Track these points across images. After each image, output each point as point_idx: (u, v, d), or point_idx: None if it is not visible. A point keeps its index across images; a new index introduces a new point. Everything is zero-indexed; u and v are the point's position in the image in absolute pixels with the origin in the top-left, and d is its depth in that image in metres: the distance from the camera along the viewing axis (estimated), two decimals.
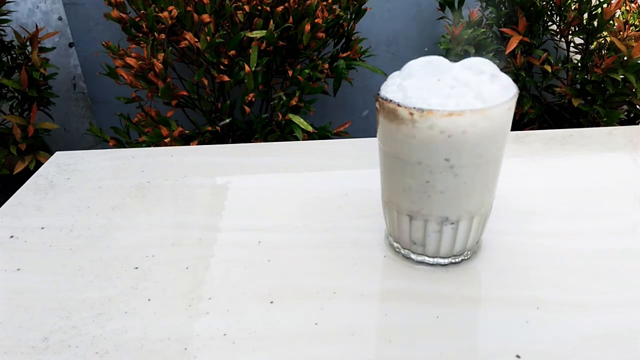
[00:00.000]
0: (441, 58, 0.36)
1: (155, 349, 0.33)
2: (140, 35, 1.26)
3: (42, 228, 0.46)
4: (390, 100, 0.33)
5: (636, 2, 1.46)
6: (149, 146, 1.23)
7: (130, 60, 1.19)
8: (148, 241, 0.44)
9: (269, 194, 0.51)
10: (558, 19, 1.46)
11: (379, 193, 0.41)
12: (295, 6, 1.26)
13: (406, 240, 0.39)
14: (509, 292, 0.36)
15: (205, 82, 1.28)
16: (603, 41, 1.42)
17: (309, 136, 1.31)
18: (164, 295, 0.37)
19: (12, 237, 0.45)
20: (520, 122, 1.50)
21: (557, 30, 1.48)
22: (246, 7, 1.24)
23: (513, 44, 1.36)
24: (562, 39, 1.48)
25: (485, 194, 0.37)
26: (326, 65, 1.37)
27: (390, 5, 1.71)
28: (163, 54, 1.21)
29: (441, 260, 0.39)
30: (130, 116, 1.33)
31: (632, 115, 1.54)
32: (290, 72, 1.31)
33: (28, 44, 1.47)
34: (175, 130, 1.25)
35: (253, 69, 1.23)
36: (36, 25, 1.55)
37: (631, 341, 0.32)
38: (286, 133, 1.31)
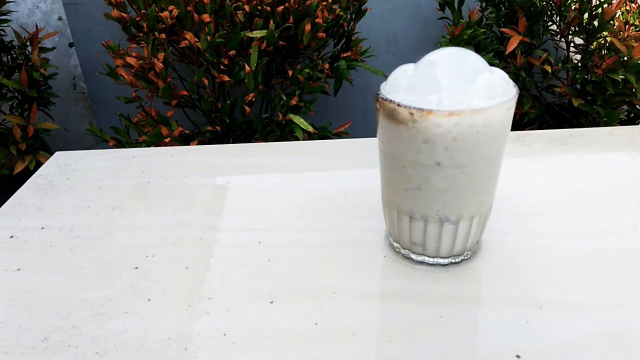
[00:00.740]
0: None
1: (155, 349, 0.33)
2: (141, 35, 1.26)
3: (42, 228, 0.46)
4: (390, 100, 0.33)
5: (636, 2, 1.46)
6: (149, 146, 1.23)
7: (131, 60, 1.19)
8: (148, 241, 0.44)
9: (269, 194, 0.51)
10: (558, 19, 1.46)
11: (379, 193, 0.41)
12: (296, 6, 1.26)
13: (406, 240, 0.39)
14: (509, 292, 0.36)
15: (206, 82, 1.28)
16: (603, 41, 1.42)
17: (309, 136, 1.31)
18: (164, 295, 0.37)
19: (12, 237, 0.45)
20: (520, 122, 1.50)
21: (557, 30, 1.48)
22: (246, 7, 1.24)
23: (513, 44, 1.36)
24: (562, 39, 1.48)
25: (485, 194, 0.37)
26: (326, 65, 1.37)
27: (390, 5, 1.71)
28: (163, 54, 1.21)
29: (441, 260, 0.39)
30: (130, 116, 1.33)
31: (632, 115, 1.54)
32: (290, 72, 1.31)
33: (28, 44, 1.47)
34: (175, 130, 1.25)
35: (253, 68, 1.23)
36: (36, 25, 1.55)
37: (631, 341, 0.32)
38: (286, 133, 1.31)
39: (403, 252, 0.40)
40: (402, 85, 0.35)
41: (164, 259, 0.41)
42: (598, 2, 1.35)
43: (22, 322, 0.35)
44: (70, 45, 1.74)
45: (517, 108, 1.26)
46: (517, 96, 0.34)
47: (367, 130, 1.86)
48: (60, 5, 1.68)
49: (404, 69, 0.36)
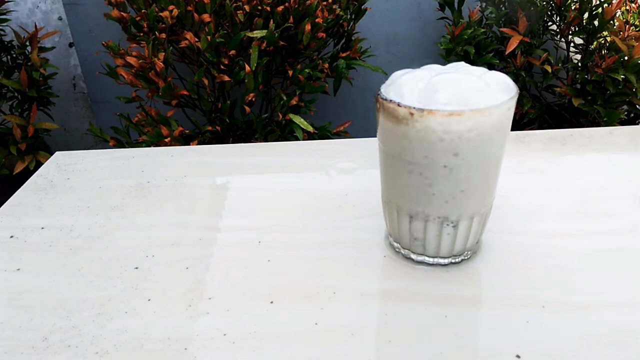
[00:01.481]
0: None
1: (155, 349, 0.33)
2: (141, 34, 1.26)
3: (42, 228, 0.46)
4: (390, 100, 0.33)
5: (636, 2, 1.46)
6: (149, 146, 1.23)
7: (131, 60, 1.19)
8: (148, 241, 0.44)
9: (269, 194, 0.51)
10: (558, 19, 1.46)
11: (379, 193, 0.41)
12: (296, 6, 1.26)
13: (406, 240, 0.39)
14: (509, 292, 0.36)
15: (206, 81, 1.28)
16: (603, 41, 1.42)
17: (309, 136, 1.31)
18: (164, 295, 0.37)
19: (12, 237, 0.45)
20: (520, 122, 1.50)
21: (557, 30, 1.48)
22: (246, 7, 1.24)
23: (513, 44, 1.36)
24: (562, 39, 1.48)
25: (485, 194, 0.37)
26: (326, 65, 1.37)
27: (390, 5, 1.71)
28: (163, 54, 1.21)
29: (441, 260, 0.39)
30: (130, 116, 1.33)
31: (632, 115, 1.54)
32: (290, 72, 1.31)
33: (28, 43, 1.47)
34: (175, 130, 1.25)
35: (253, 68, 1.23)
36: (36, 25, 1.55)
37: (631, 341, 0.32)
38: (286, 133, 1.31)
39: (403, 252, 0.40)
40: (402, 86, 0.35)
41: (164, 259, 0.41)
42: (598, 2, 1.35)
43: (22, 322, 0.35)
44: (70, 45, 1.74)
45: (517, 108, 1.26)
46: (517, 96, 0.34)
47: (367, 130, 1.86)
48: (60, 5, 1.68)
49: (403, 72, 0.36)
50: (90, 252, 0.43)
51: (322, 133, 1.36)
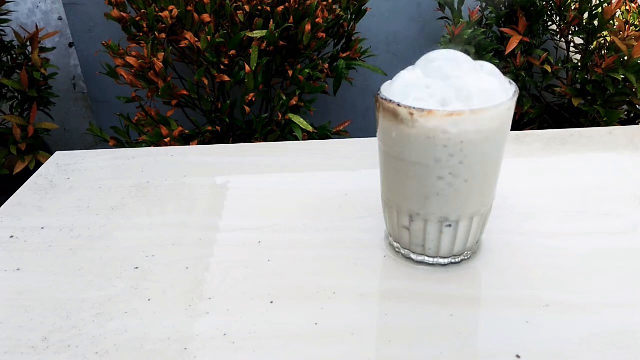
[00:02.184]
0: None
1: (155, 349, 0.33)
2: (141, 34, 1.26)
3: (42, 228, 0.46)
4: (390, 100, 0.33)
5: (636, 2, 1.46)
6: (149, 146, 1.23)
7: (131, 60, 1.19)
8: (148, 241, 0.44)
9: (268, 194, 0.51)
10: (558, 19, 1.46)
11: (379, 193, 0.41)
12: (296, 6, 1.26)
13: (406, 240, 0.39)
14: (509, 292, 0.36)
15: (206, 81, 1.28)
16: (603, 41, 1.42)
17: (309, 136, 1.31)
18: (164, 295, 0.37)
19: (12, 237, 0.45)
20: (520, 122, 1.50)
21: (557, 30, 1.48)
22: (246, 7, 1.24)
23: (513, 44, 1.36)
24: (562, 39, 1.48)
25: (485, 194, 0.37)
26: (326, 65, 1.37)
27: (390, 5, 1.71)
28: (163, 54, 1.21)
29: (441, 260, 0.39)
30: (130, 116, 1.33)
31: (632, 115, 1.54)
32: (290, 72, 1.31)
33: (28, 44, 1.47)
34: (175, 130, 1.25)
35: (253, 68, 1.23)
36: (36, 25, 1.55)
37: (631, 341, 0.32)
38: (286, 133, 1.31)
39: (403, 252, 0.40)
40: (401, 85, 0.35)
41: (164, 259, 0.41)
42: (598, 2, 1.35)
43: (22, 322, 0.35)
44: (70, 45, 1.74)
45: (517, 108, 1.26)
46: (517, 96, 0.34)
47: (367, 129, 1.86)
48: (60, 5, 1.68)
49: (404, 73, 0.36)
50: (90, 252, 0.43)
51: (322, 133, 1.36)
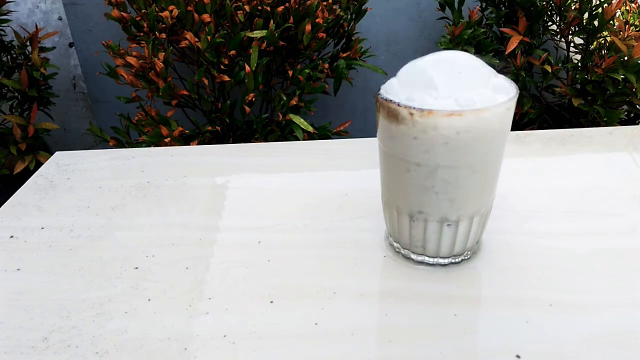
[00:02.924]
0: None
1: (155, 349, 0.33)
2: (141, 34, 1.26)
3: (42, 228, 0.46)
4: (390, 100, 0.33)
5: (636, 2, 1.46)
6: (149, 146, 1.23)
7: (131, 60, 1.19)
8: (148, 241, 0.44)
9: (269, 194, 0.51)
10: (558, 19, 1.46)
11: (379, 193, 0.41)
12: (296, 6, 1.26)
13: (406, 241, 0.39)
14: (509, 292, 0.36)
15: (206, 82, 1.28)
16: (603, 41, 1.42)
17: (309, 136, 1.31)
18: (164, 295, 0.37)
19: (12, 237, 0.45)
20: (520, 122, 1.50)
21: (557, 30, 1.48)
22: (246, 7, 1.24)
23: (513, 44, 1.36)
24: (562, 39, 1.48)
25: (485, 194, 0.37)
26: (326, 65, 1.37)
27: (390, 5, 1.71)
28: (163, 54, 1.21)
29: (441, 260, 0.39)
30: (131, 116, 1.33)
31: (632, 115, 1.54)
32: (290, 72, 1.31)
33: (28, 43, 1.47)
34: (175, 130, 1.25)
35: (253, 69, 1.23)
36: (36, 25, 1.55)
37: (631, 341, 0.32)
38: (286, 133, 1.31)
39: (403, 252, 0.40)
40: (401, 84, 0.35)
41: (164, 259, 0.41)
42: (598, 2, 1.35)
43: (22, 322, 0.35)
44: (70, 45, 1.74)
45: (517, 108, 1.26)
46: (517, 96, 0.34)
47: (367, 130, 1.86)
48: (60, 5, 1.68)
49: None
50: (90, 252, 0.43)
51: (322, 133, 1.36)
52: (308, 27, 1.26)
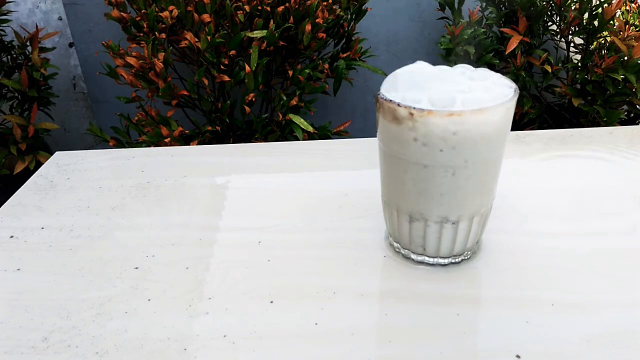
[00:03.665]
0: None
1: (155, 349, 0.33)
2: (141, 35, 1.26)
3: (42, 228, 0.46)
4: (390, 100, 0.33)
5: (636, 2, 1.46)
6: (149, 146, 1.23)
7: (131, 60, 1.19)
8: (148, 241, 0.44)
9: (269, 194, 0.51)
10: (558, 19, 1.46)
11: (379, 193, 0.41)
12: (296, 6, 1.26)
13: (406, 241, 0.39)
14: (509, 292, 0.36)
15: (206, 82, 1.28)
16: (603, 41, 1.42)
17: (309, 136, 1.31)
18: (164, 295, 0.37)
19: (12, 237, 0.45)
20: (520, 122, 1.50)
21: (557, 30, 1.48)
22: (246, 7, 1.24)
23: (513, 44, 1.36)
24: (562, 39, 1.48)
25: (485, 194, 0.37)
26: (326, 66, 1.37)
27: (390, 5, 1.71)
28: (163, 54, 1.21)
29: (441, 260, 0.39)
30: (130, 116, 1.33)
31: (632, 115, 1.54)
32: (290, 72, 1.31)
33: (28, 44, 1.47)
34: (175, 130, 1.25)
35: (253, 69, 1.23)
36: (36, 25, 1.55)
37: (631, 341, 0.32)
38: (286, 133, 1.31)
39: (403, 252, 0.40)
40: (402, 84, 0.35)
41: (164, 259, 0.41)
42: (598, 2, 1.35)
43: (22, 322, 0.35)
44: (70, 45, 1.74)
45: (517, 108, 1.26)
46: (517, 96, 0.34)
47: (367, 130, 1.86)
48: (60, 5, 1.68)
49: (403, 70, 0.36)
50: (90, 252, 0.43)
51: (322, 133, 1.36)
52: (308, 27, 1.26)
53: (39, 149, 1.45)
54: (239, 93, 1.35)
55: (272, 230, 0.45)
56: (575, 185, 0.51)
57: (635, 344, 0.32)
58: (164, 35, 1.24)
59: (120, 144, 1.34)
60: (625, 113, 1.52)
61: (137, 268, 0.40)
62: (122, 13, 1.25)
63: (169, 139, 1.23)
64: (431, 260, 0.39)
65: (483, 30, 1.47)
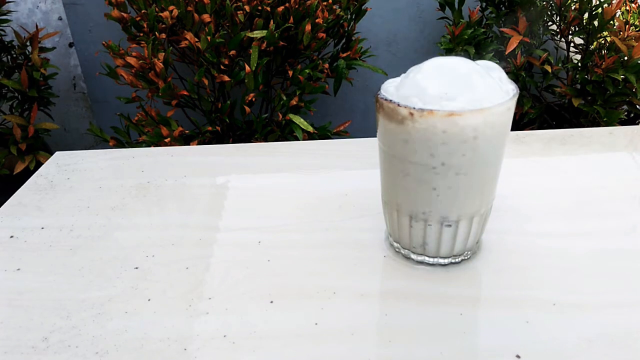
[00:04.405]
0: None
1: (155, 349, 0.33)
2: (141, 35, 1.26)
3: (42, 228, 0.46)
4: (390, 100, 0.33)
5: (636, 2, 1.46)
6: (149, 146, 1.23)
7: (131, 60, 1.19)
8: (148, 241, 0.44)
9: (269, 194, 0.51)
10: (558, 19, 1.46)
11: (379, 193, 0.41)
12: (296, 6, 1.26)
13: (406, 241, 0.39)
14: (509, 292, 0.36)
15: (206, 82, 1.28)
16: (603, 41, 1.42)
17: (309, 136, 1.31)
18: (164, 295, 0.37)
19: (12, 237, 0.45)
20: (520, 122, 1.50)
21: (557, 30, 1.48)
22: (247, 7, 1.24)
23: (513, 44, 1.36)
24: (562, 39, 1.48)
25: (485, 194, 0.37)
26: (326, 65, 1.37)
27: (390, 5, 1.71)
28: (163, 54, 1.21)
29: (441, 260, 0.39)
30: (130, 116, 1.33)
31: (632, 115, 1.54)
32: (290, 72, 1.31)
33: (28, 44, 1.47)
34: (175, 130, 1.25)
35: (253, 69, 1.23)
36: (36, 25, 1.55)
37: (631, 341, 0.32)
38: (286, 133, 1.31)
39: (403, 252, 0.40)
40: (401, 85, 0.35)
41: (164, 259, 0.41)
42: (598, 2, 1.35)
43: (22, 322, 0.35)
44: (70, 45, 1.74)
45: (517, 108, 1.26)
46: (517, 96, 0.34)
47: (367, 130, 1.86)
48: (60, 5, 1.68)
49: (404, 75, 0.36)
50: (90, 252, 0.43)
51: (322, 133, 1.36)
52: (308, 27, 1.26)
53: (39, 149, 1.45)
54: (239, 93, 1.35)
55: (272, 230, 0.45)
56: (575, 185, 0.51)
57: (635, 344, 0.32)
58: (164, 35, 1.24)
59: (120, 144, 1.34)
60: (625, 113, 1.52)
61: (137, 268, 0.40)
62: (122, 13, 1.25)
63: (169, 139, 1.23)
64: (431, 260, 0.39)
65: (483, 30, 1.47)
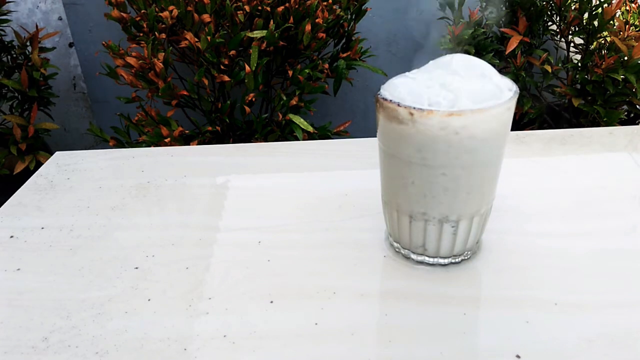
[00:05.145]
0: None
1: (155, 349, 0.33)
2: (141, 35, 1.26)
3: (42, 228, 0.46)
4: (390, 100, 0.33)
5: (636, 2, 1.46)
6: (149, 146, 1.23)
7: (131, 60, 1.19)
8: (148, 241, 0.44)
9: (269, 194, 0.51)
10: (558, 19, 1.46)
11: (379, 193, 0.41)
12: (296, 6, 1.26)
13: (406, 241, 0.39)
14: (509, 292, 0.36)
15: (206, 82, 1.28)
16: (603, 41, 1.42)
17: (309, 136, 1.31)
18: (164, 295, 0.37)
19: (12, 237, 0.45)
20: (520, 122, 1.50)
21: (557, 30, 1.48)
22: (247, 7, 1.24)
23: (513, 44, 1.36)
24: (562, 39, 1.48)
25: (485, 194, 0.37)
26: (326, 66, 1.37)
27: (390, 6, 1.71)
28: (163, 54, 1.21)
29: (441, 260, 0.39)
30: (131, 116, 1.33)
31: (632, 115, 1.54)
32: (290, 72, 1.31)
33: (28, 44, 1.47)
34: (175, 130, 1.25)
35: (253, 69, 1.23)
36: (36, 25, 1.55)
37: (631, 341, 0.32)
38: (286, 133, 1.31)
39: (403, 252, 0.40)
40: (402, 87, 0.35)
41: (164, 259, 0.41)
42: (598, 2, 1.35)
43: (22, 322, 0.35)
44: (70, 45, 1.74)
45: (517, 108, 1.26)
46: (517, 96, 0.34)
47: (367, 130, 1.86)
48: (60, 5, 1.68)
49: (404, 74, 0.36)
50: (90, 252, 0.43)
51: (322, 133, 1.36)
52: (308, 27, 1.26)
53: (39, 149, 1.45)
54: (239, 93, 1.35)
55: (272, 230, 0.45)
56: (575, 185, 0.51)
57: (635, 344, 0.32)
58: (164, 35, 1.24)
59: (120, 144, 1.34)
60: (625, 113, 1.52)
61: (137, 268, 0.40)
62: (122, 13, 1.25)
63: (169, 139, 1.23)
64: (431, 260, 0.39)
65: (483, 30, 1.47)
